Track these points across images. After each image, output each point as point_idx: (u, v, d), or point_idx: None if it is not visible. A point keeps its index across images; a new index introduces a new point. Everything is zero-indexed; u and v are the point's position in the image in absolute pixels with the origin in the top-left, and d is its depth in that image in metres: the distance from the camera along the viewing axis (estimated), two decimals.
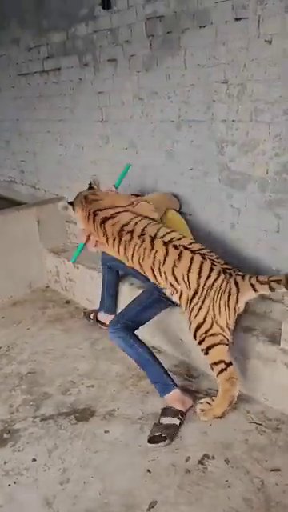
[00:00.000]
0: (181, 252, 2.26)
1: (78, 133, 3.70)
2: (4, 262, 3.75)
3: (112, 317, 3.07)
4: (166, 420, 2.22)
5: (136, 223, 2.41)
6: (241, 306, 2.18)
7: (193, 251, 2.27)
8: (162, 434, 2.14)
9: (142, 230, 2.37)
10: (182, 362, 2.78)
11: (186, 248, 2.28)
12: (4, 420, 2.39)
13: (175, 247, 2.28)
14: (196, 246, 2.31)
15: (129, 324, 2.41)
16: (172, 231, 2.37)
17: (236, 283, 2.16)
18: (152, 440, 2.14)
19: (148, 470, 2.00)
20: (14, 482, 1.99)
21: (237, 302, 2.15)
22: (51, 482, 1.98)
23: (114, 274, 3.05)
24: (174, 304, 2.52)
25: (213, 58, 2.47)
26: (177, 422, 2.22)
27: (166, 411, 2.26)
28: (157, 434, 2.15)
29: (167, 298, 2.48)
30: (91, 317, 3.27)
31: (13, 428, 2.32)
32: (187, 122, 2.74)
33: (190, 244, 2.32)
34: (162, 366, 2.36)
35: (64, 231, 4.13)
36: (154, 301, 2.56)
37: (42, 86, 3.95)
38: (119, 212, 2.49)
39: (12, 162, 4.88)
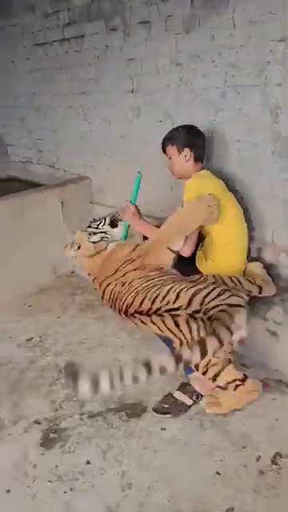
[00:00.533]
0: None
1: (104, 106, 3.43)
2: (26, 246, 3.53)
3: None
4: (179, 395, 2.18)
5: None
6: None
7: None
8: (169, 409, 2.13)
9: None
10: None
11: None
12: (48, 418, 2.20)
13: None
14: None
15: None
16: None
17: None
18: (156, 409, 2.15)
19: (217, 472, 1.82)
20: (71, 489, 1.81)
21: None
22: (111, 487, 1.80)
23: None
24: None
25: (268, 12, 2.19)
26: (189, 402, 2.16)
27: (184, 387, 2.21)
28: (165, 405, 2.15)
29: None
30: None
31: (59, 427, 2.14)
32: (235, 88, 2.47)
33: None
34: None
35: (88, 212, 3.90)
36: None
37: (62, 55, 3.66)
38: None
39: (28, 141, 4.60)
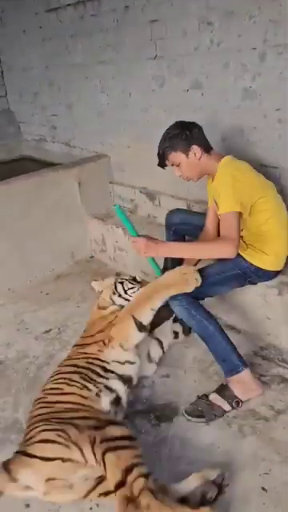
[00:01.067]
0: None
1: (124, 76, 3.13)
2: (42, 229, 3.31)
3: None
4: (215, 398, 1.96)
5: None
6: None
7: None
8: (203, 412, 1.92)
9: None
10: (269, 344, 2.34)
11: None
12: None
13: None
14: None
15: (194, 292, 1.98)
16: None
17: None
18: (189, 411, 1.94)
19: (263, 488, 1.60)
20: (97, 505, 1.61)
21: None
22: None
23: (181, 239, 2.58)
24: (250, 283, 2.18)
25: None
26: (227, 407, 1.93)
27: (222, 390, 1.98)
28: (199, 408, 1.94)
29: (248, 279, 2.15)
30: None
31: None
32: (276, 48, 2.16)
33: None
34: (231, 343, 2.00)
35: (108, 194, 3.65)
36: (235, 276, 2.12)
37: (77, 21, 3.35)
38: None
39: (41, 118, 4.33)
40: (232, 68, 2.40)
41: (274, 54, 2.18)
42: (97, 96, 3.46)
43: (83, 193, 3.48)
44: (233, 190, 1.91)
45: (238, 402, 1.93)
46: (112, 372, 1.94)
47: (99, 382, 1.86)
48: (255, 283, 2.19)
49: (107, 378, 1.90)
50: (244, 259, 2.09)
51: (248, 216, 1.99)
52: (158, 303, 2.01)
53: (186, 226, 2.51)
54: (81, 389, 1.81)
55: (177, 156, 2.09)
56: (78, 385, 1.83)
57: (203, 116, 2.62)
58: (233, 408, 1.93)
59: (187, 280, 1.96)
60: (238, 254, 2.04)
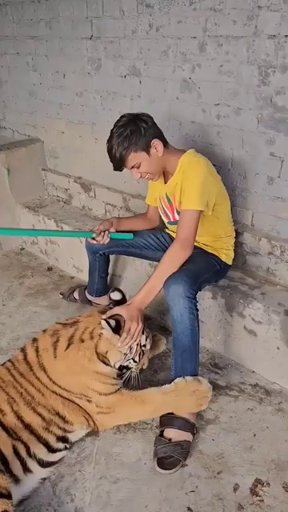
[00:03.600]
0: None
1: (57, 55, 2.88)
2: None
3: (104, 298, 2.51)
4: (175, 435, 1.72)
5: None
6: None
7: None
8: (175, 455, 1.66)
9: None
10: (202, 347, 2.27)
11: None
12: None
13: None
14: None
15: (196, 291, 1.82)
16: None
17: None
18: (162, 464, 1.65)
19: (189, 508, 1.53)
20: None
21: None
22: None
23: (107, 258, 2.45)
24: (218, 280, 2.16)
25: None
26: (190, 438, 1.73)
27: (177, 422, 1.74)
28: (166, 455, 1.66)
29: (220, 276, 2.14)
30: (76, 296, 2.68)
31: None
32: (216, 39, 2.04)
33: None
34: (198, 364, 1.83)
35: (40, 181, 3.41)
36: (216, 273, 2.07)
37: None
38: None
39: None
40: (171, 56, 2.25)
41: (215, 45, 2.06)
42: (28, 74, 3.18)
43: (13, 180, 3.22)
44: (202, 189, 1.80)
45: (196, 428, 1.78)
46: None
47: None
48: (220, 280, 2.16)
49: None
50: (217, 256, 2.05)
51: (211, 215, 1.92)
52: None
53: (113, 248, 2.31)
54: None
55: (138, 156, 1.83)
56: None
57: (140, 105, 2.49)
58: (194, 436, 1.75)
59: (200, 404, 1.74)
60: (213, 253, 2.05)
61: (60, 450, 1.70)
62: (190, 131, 2.32)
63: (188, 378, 1.76)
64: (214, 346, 2.26)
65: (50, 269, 3.12)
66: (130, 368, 1.89)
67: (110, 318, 1.80)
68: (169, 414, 1.76)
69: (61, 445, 1.70)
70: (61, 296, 2.76)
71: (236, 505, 1.54)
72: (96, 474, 1.66)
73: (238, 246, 2.22)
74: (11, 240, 3.36)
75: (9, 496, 1.39)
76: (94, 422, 1.77)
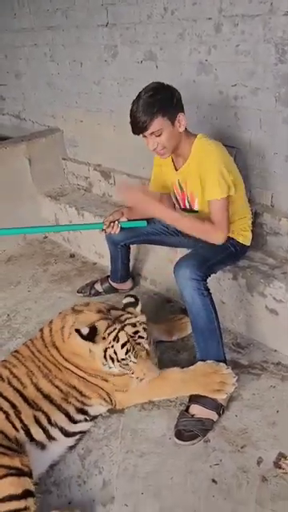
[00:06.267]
0: None
1: (74, 43, 2.92)
2: None
3: (128, 282, 2.56)
4: (199, 411, 1.74)
5: None
6: None
7: None
8: (195, 431, 1.70)
9: None
10: (224, 328, 2.30)
11: None
12: None
13: None
14: None
15: (207, 275, 1.84)
16: None
17: None
18: (181, 436, 1.70)
19: (213, 480, 1.58)
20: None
21: None
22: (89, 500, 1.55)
23: (128, 247, 2.47)
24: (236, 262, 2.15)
25: None
26: (215, 417, 1.75)
27: (204, 400, 1.76)
28: (186, 428, 1.71)
29: (237, 258, 2.12)
30: (98, 289, 2.66)
31: None
32: (232, 19, 2.04)
33: None
34: (223, 345, 1.86)
35: (61, 170, 3.48)
36: (230, 255, 2.05)
37: None
38: None
39: None
40: (187, 39, 2.26)
41: (230, 25, 2.06)
42: (46, 64, 3.23)
43: (34, 170, 3.29)
44: (223, 174, 1.81)
45: (223, 408, 1.78)
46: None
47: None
48: (238, 261, 2.16)
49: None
50: (232, 238, 2.03)
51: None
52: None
53: (133, 238, 2.34)
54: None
55: (163, 122, 1.77)
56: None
57: None
58: (220, 416, 1.76)
59: (221, 389, 1.73)
60: (228, 236, 2.00)
61: (80, 422, 1.76)
62: (207, 114, 2.33)
63: (209, 361, 1.79)
64: (236, 326, 2.28)
65: (72, 256, 3.18)
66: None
67: (89, 325, 1.71)
68: None
69: (81, 416, 1.76)
70: (80, 294, 2.68)
71: (260, 477, 1.57)
72: (122, 449, 1.72)
73: (257, 226, 2.22)
74: None
75: (30, 474, 1.45)
76: (112, 399, 1.82)
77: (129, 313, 1.83)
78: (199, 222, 1.90)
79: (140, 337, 1.72)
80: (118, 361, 1.69)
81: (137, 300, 1.90)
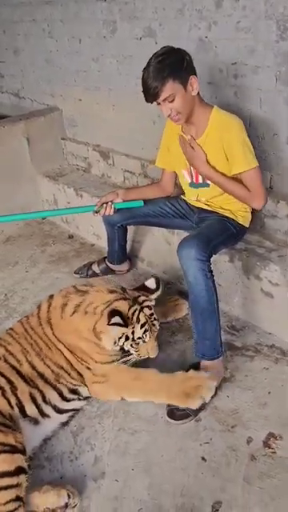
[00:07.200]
0: None
1: (73, 19, 2.85)
2: None
3: (125, 264, 2.58)
4: None
5: None
6: None
7: None
8: (187, 410, 1.72)
9: None
10: (219, 310, 2.31)
11: None
12: None
13: None
14: None
15: (211, 256, 1.83)
16: None
17: None
18: (172, 414, 1.73)
19: (203, 458, 1.60)
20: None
21: None
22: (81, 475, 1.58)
23: (125, 228, 2.46)
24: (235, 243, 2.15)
25: None
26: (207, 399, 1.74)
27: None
28: (180, 408, 1.71)
29: (237, 239, 2.13)
30: (95, 270, 2.67)
31: None
32: None
33: None
34: (220, 326, 1.86)
35: (60, 150, 3.44)
36: (231, 236, 2.05)
37: None
38: None
39: None
40: (187, 15, 2.20)
41: (231, 0, 2.00)
42: (44, 41, 3.17)
43: (33, 150, 3.26)
44: (249, 144, 1.85)
45: (216, 389, 1.80)
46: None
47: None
48: (236, 243, 2.16)
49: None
50: (233, 219, 2.04)
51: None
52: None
53: (130, 219, 2.33)
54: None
55: (175, 87, 1.73)
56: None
57: None
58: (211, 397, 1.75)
59: (195, 393, 1.67)
60: (230, 217, 2.04)
61: (74, 400, 1.79)
62: (206, 92, 2.27)
63: (191, 371, 1.76)
64: (231, 308, 2.28)
65: (70, 237, 3.18)
66: (130, 353, 1.83)
67: (111, 312, 1.73)
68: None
69: (74, 396, 1.79)
70: (77, 275, 2.69)
71: (249, 456, 1.59)
72: (115, 426, 1.74)
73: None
74: (33, 209, 3.41)
75: (23, 451, 1.47)
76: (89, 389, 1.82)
77: (143, 294, 1.89)
78: (241, 187, 1.91)
79: (155, 318, 1.84)
80: (133, 339, 1.77)
81: (158, 284, 1.96)
